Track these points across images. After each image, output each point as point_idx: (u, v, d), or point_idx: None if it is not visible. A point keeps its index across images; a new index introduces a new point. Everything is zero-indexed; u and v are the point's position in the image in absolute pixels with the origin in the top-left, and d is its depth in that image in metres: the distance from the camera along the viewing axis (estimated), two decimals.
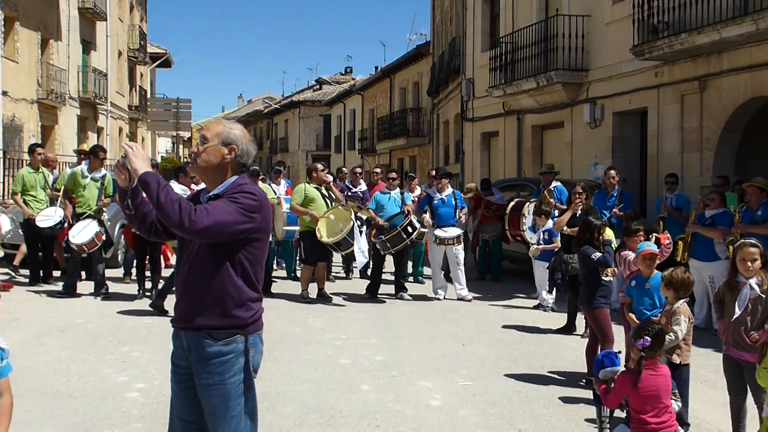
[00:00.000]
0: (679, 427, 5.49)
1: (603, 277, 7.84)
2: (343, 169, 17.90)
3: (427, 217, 13.23)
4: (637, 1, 15.03)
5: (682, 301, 6.31)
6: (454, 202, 13.29)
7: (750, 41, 12.95)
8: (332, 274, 15.22)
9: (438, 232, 13.08)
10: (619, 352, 5.57)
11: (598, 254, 7.79)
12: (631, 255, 7.69)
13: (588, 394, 7.27)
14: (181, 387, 4.11)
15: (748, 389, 5.75)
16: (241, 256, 3.94)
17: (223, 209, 3.82)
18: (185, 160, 43.14)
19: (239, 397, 3.99)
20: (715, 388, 7.43)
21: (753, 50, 13.12)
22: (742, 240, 6.09)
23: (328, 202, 12.80)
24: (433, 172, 16.08)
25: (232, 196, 3.89)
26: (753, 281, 5.61)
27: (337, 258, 14.72)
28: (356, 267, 15.03)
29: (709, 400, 7.29)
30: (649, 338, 5.05)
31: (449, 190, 13.45)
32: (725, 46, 13.47)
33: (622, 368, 5.43)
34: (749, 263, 5.63)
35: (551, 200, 12.71)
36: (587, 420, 6.71)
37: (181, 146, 68.09)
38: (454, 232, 13.11)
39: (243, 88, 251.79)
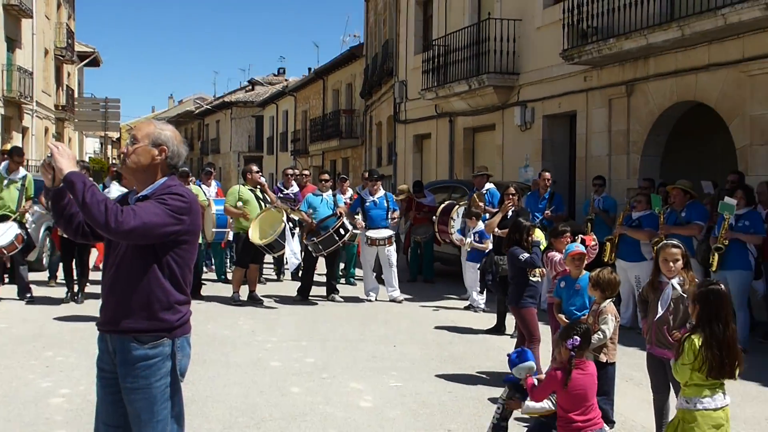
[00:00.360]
0: (605, 425, 5.58)
1: (531, 278, 7.93)
2: (304, 171, 17.63)
3: (359, 219, 13.23)
4: (567, 6, 15.28)
5: (608, 300, 6.42)
6: (386, 204, 13.31)
7: (675, 47, 13.26)
8: (263, 276, 15.10)
9: (370, 233, 13.09)
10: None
11: (526, 255, 7.87)
12: (557, 256, 7.79)
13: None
14: (107, 392, 4.02)
15: (671, 387, 5.87)
16: (169, 259, 3.87)
17: (150, 210, 3.76)
18: (114, 161, 42.47)
19: (165, 401, 3.92)
20: (640, 386, 7.56)
21: (678, 55, 13.43)
22: (665, 241, 6.21)
23: (262, 204, 12.71)
24: (366, 174, 16.07)
25: (161, 198, 3.83)
26: (675, 281, 5.73)
27: (268, 260, 14.61)
28: (288, 269, 14.96)
29: (634, 398, 7.41)
30: (578, 338, 5.12)
31: (381, 192, 13.47)
32: (652, 52, 13.77)
33: (532, 363, 5.51)
34: (671, 264, 5.75)
35: (480, 203, 12.82)
36: (516, 419, 6.76)
37: (109, 147, 66.86)
38: (386, 233, 13.14)
39: (174, 89, 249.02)
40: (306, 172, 17.29)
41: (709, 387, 4.70)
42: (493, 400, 6.63)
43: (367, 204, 13.26)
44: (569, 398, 5.11)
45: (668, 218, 10.59)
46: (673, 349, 5.08)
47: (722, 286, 4.84)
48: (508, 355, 5.64)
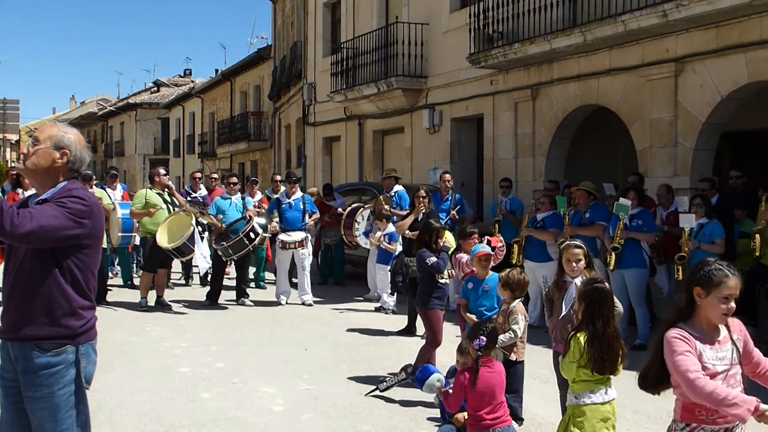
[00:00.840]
0: (513, 422, 5.69)
1: (439, 280, 8.00)
2: (213, 175, 17.31)
3: (274, 223, 13.11)
4: (473, 11, 15.49)
5: (517, 300, 6.55)
6: (302, 207, 13.22)
7: (578, 52, 13.59)
8: (171, 281, 14.86)
9: (282, 237, 13.00)
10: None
11: (433, 259, 7.91)
12: (465, 257, 7.89)
13: (427, 396, 7.43)
14: (10, 401, 3.93)
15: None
16: (71, 263, 3.80)
17: (48, 213, 3.67)
18: (12, 163, 41.14)
19: (70, 409, 3.85)
20: (547, 383, 7.72)
21: (581, 60, 13.77)
22: (568, 242, 6.37)
23: (171, 207, 12.50)
24: (278, 177, 15.98)
25: (60, 201, 3.76)
26: (578, 281, 5.88)
27: (176, 265, 14.40)
28: (198, 273, 14.78)
29: (542, 395, 7.56)
30: (484, 338, 5.21)
31: (298, 195, 13.38)
32: (555, 56, 14.09)
33: (437, 374, 5.60)
34: (574, 264, 5.90)
35: (387, 205, 12.89)
36: (429, 419, 6.83)
37: (8, 149, 64.81)
38: (299, 236, 13.06)
39: (76, 89, 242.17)
40: (215, 176, 17.05)
41: (595, 382, 4.89)
42: (433, 420, 6.68)
43: (283, 206, 13.17)
44: (478, 397, 5.19)
45: (573, 219, 10.86)
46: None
47: (606, 285, 5.03)
48: (413, 379, 5.71)
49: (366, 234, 13.44)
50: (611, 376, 4.95)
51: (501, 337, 6.20)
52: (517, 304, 6.54)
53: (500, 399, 5.30)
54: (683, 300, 3.89)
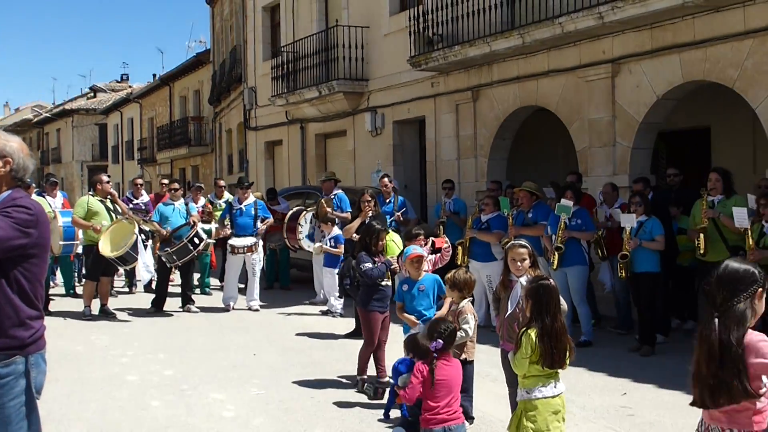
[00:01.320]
0: (465, 420, 5.78)
1: (379, 282, 8.05)
2: (163, 181, 17.05)
3: (226, 228, 13.04)
4: (413, 14, 15.61)
5: (466, 300, 6.64)
6: (253, 212, 13.17)
7: (517, 54, 13.79)
8: (115, 289, 14.68)
9: (232, 242, 12.95)
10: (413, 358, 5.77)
11: (368, 265, 7.95)
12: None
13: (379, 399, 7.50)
14: None
15: None
16: (17, 273, 3.77)
17: None
18: None
19: (21, 420, 3.82)
20: (496, 382, 7.83)
21: (520, 62, 13.98)
22: (512, 242, 6.50)
23: (113, 215, 12.35)
24: (221, 182, 15.91)
25: (5, 211, 3.72)
26: (523, 280, 6.00)
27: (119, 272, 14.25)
28: (140, 281, 14.64)
29: (491, 393, 7.67)
30: (441, 341, 5.30)
31: (251, 200, 13.33)
32: (495, 58, 14.27)
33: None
34: (519, 263, 6.03)
35: (329, 208, 12.93)
36: (379, 420, 6.89)
37: None
38: (249, 241, 13.01)
39: (9, 96, 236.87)
40: (164, 181, 16.78)
41: (545, 377, 5.04)
42: (384, 421, 6.74)
43: (235, 211, 13.11)
44: (436, 388, 5.28)
45: (516, 219, 11.02)
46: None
47: (551, 281, 5.17)
48: (395, 367, 5.75)
49: (309, 237, 13.46)
50: (559, 370, 5.08)
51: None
52: (467, 304, 6.64)
53: (455, 394, 5.39)
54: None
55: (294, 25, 21.96)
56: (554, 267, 10.14)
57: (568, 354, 5.02)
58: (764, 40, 10.26)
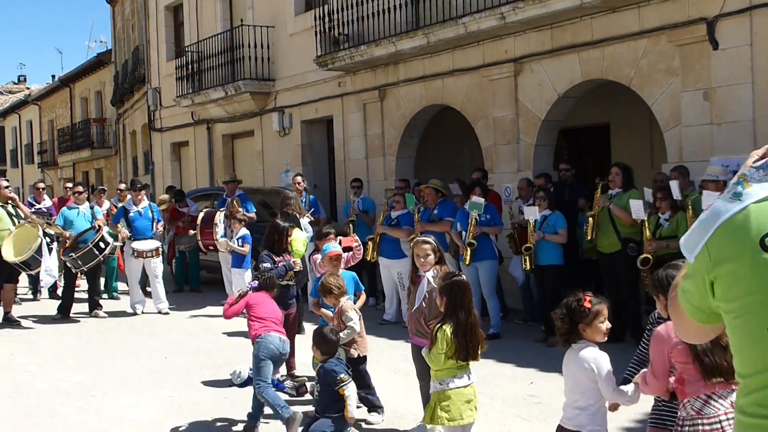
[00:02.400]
0: (375, 412, 5.98)
1: (279, 282, 8.15)
2: (67, 184, 16.63)
3: (124, 230, 12.86)
4: (318, 13, 15.67)
5: (345, 298, 6.81)
6: (150, 215, 13.03)
7: (422, 53, 14.00)
8: (18, 296, 14.31)
9: (135, 245, 12.77)
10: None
11: (266, 265, 8.03)
12: (320, 258, 8.06)
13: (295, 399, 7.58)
14: None
15: None
16: None
17: None
18: None
19: None
20: (408, 376, 7.96)
21: (425, 62, 14.19)
22: (417, 238, 6.67)
23: (15, 220, 12.04)
24: (122, 186, 15.65)
25: None
26: (429, 275, 6.16)
27: (23, 279, 13.89)
28: (44, 287, 14.32)
29: (404, 387, 7.81)
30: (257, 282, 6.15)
31: (145, 203, 13.17)
32: (401, 58, 14.45)
33: None
34: (422, 258, 6.20)
35: (240, 208, 12.93)
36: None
37: None
38: (152, 244, 12.87)
39: None
40: (69, 185, 16.43)
41: (458, 368, 5.24)
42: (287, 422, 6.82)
43: (131, 215, 12.92)
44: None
45: (422, 216, 11.21)
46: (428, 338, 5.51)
47: (463, 277, 5.34)
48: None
49: (224, 237, 13.41)
50: (470, 362, 5.27)
51: (341, 334, 6.55)
52: (346, 302, 6.84)
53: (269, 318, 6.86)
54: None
55: (198, 25, 21.73)
56: (467, 262, 10.35)
57: (480, 346, 5.21)
58: (658, 39, 10.68)
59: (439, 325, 5.21)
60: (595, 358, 4.27)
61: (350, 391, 6.01)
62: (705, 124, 10.17)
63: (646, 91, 10.93)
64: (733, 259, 1.99)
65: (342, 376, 6.02)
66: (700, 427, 3.77)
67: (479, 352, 5.26)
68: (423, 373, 6.43)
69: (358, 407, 6.50)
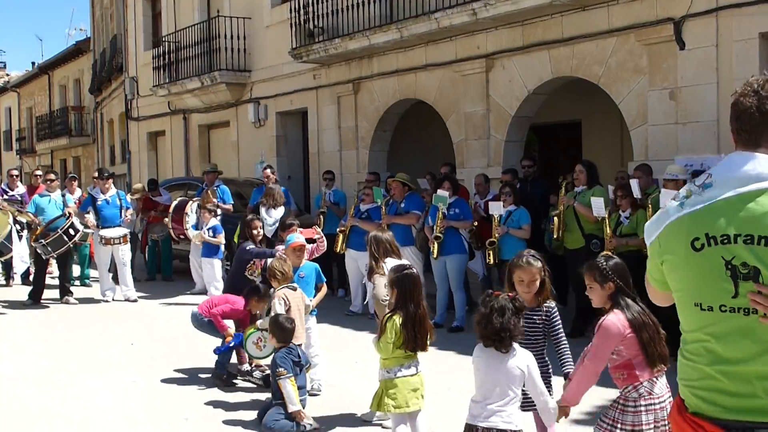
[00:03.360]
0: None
1: (246, 274, 8.42)
2: (36, 171, 16.65)
3: (90, 218, 12.90)
4: (294, 5, 15.75)
5: (281, 287, 7.04)
6: (118, 203, 13.09)
7: (396, 48, 14.12)
8: None
9: (103, 233, 12.81)
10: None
11: (252, 246, 8.36)
12: (282, 248, 8.21)
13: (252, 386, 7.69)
14: None
15: None
16: None
17: None
18: None
19: None
20: (370, 367, 8.06)
21: (399, 56, 14.30)
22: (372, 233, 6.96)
23: None
24: (96, 174, 15.67)
25: None
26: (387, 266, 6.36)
27: None
28: (16, 273, 14.35)
29: (364, 378, 7.86)
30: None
31: (113, 191, 13.22)
32: (375, 52, 14.56)
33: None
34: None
35: (214, 199, 13.00)
36: (254, 401, 7.06)
37: None
38: (121, 231, 12.92)
39: None
40: (38, 173, 16.45)
41: (405, 358, 5.38)
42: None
43: (99, 203, 12.96)
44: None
45: (390, 209, 11.32)
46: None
47: (414, 270, 5.48)
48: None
49: (195, 227, 13.46)
50: (420, 352, 5.40)
51: (261, 320, 7.08)
52: (279, 290, 7.01)
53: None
54: None
55: (175, 15, 21.72)
56: (435, 256, 10.45)
57: (429, 337, 5.35)
58: (626, 38, 10.85)
59: (389, 315, 5.34)
60: (528, 363, 4.35)
61: (286, 384, 6.21)
62: (670, 123, 10.34)
63: (614, 89, 11.09)
64: (673, 252, 2.67)
65: (280, 369, 6.26)
66: (654, 406, 4.12)
67: (428, 343, 5.39)
68: None
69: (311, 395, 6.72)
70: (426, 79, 13.92)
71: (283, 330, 6.42)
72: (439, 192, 10.47)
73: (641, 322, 4.12)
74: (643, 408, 4.11)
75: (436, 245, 10.42)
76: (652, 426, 4.09)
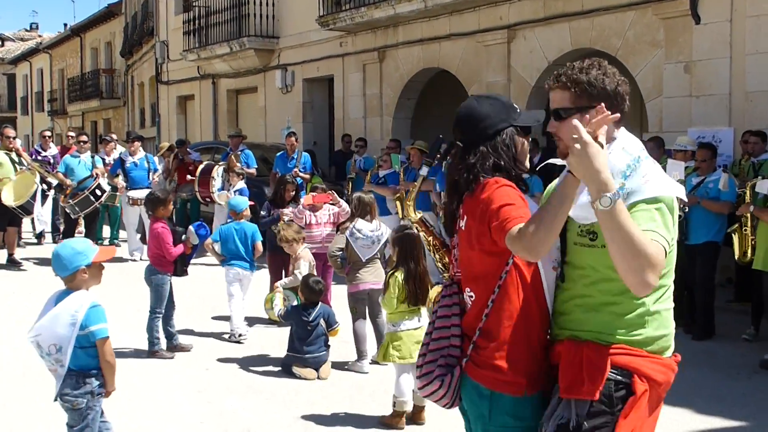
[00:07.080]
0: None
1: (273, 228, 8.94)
2: (70, 133, 17.11)
3: (120, 180, 13.29)
4: None
5: (302, 247, 7.80)
6: (146, 165, 13.48)
7: (420, 17, 14.33)
8: (23, 239, 14.78)
9: (131, 194, 13.22)
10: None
11: (263, 213, 9.20)
12: (306, 212, 8.58)
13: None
14: None
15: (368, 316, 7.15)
16: None
17: None
18: None
19: None
20: None
21: (423, 25, 14.51)
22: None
23: (17, 167, 12.48)
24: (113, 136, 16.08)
25: None
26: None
27: (27, 224, 14.35)
28: (49, 233, 14.83)
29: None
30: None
31: (142, 153, 13.61)
32: (400, 21, 14.78)
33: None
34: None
35: (238, 163, 13.33)
36: (207, 369, 7.43)
37: None
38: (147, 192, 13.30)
39: None
40: (71, 134, 16.79)
41: (409, 312, 5.77)
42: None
43: (128, 165, 13.37)
44: None
45: (408, 176, 11.60)
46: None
47: (415, 230, 5.78)
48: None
49: (221, 190, 13.81)
50: (422, 307, 5.77)
51: (284, 280, 7.72)
52: (302, 251, 7.78)
53: None
54: None
55: None
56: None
57: (430, 292, 5.69)
58: (645, 12, 11.00)
59: (391, 272, 5.70)
60: None
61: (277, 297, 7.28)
62: (684, 96, 10.52)
63: (631, 61, 11.26)
64: None
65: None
66: None
67: (429, 298, 5.72)
68: (361, 315, 7.25)
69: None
70: (449, 48, 14.13)
71: (311, 291, 6.82)
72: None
73: None
74: None
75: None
76: None
